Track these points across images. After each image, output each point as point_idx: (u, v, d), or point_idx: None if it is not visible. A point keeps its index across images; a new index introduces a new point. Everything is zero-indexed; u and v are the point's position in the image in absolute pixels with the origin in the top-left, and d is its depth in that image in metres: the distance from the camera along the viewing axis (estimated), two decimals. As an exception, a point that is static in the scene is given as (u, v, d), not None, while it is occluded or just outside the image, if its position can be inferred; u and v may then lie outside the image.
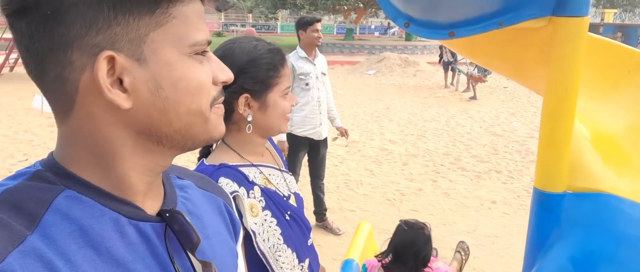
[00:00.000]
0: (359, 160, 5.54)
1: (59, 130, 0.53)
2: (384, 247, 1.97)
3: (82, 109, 0.50)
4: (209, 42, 0.55)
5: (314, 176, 3.70)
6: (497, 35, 1.42)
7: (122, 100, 0.49)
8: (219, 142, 1.16)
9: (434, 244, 3.54)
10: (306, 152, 3.57)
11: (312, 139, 3.43)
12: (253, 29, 24.87)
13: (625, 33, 16.43)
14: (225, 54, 1.08)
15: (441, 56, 11.41)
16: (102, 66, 0.48)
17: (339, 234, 3.67)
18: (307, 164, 3.70)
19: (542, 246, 1.49)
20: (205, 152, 1.15)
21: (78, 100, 0.49)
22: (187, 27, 0.52)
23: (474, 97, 9.65)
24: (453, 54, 10.64)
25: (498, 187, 4.81)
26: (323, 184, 3.75)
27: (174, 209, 0.57)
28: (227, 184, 1.02)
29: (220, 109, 0.58)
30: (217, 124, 0.58)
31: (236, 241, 0.72)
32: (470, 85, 10.09)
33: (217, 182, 1.02)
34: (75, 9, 0.46)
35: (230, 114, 1.09)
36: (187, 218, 0.56)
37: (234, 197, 1.02)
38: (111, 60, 0.48)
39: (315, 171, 3.68)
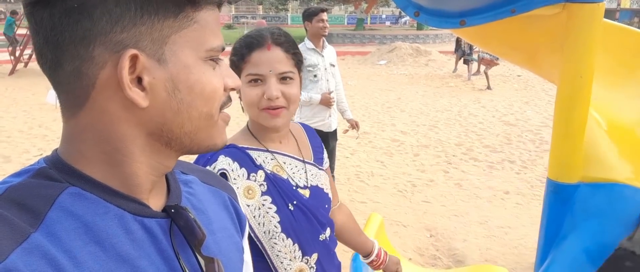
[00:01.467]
0: (369, 151, 5.52)
1: (67, 125, 0.53)
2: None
3: (96, 105, 0.50)
4: (223, 49, 0.57)
5: None
6: (509, 23, 1.39)
7: (140, 98, 0.50)
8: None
9: (446, 236, 3.53)
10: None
11: (322, 131, 3.42)
12: (263, 20, 24.87)
13: (643, 19, 16.05)
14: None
15: (457, 47, 11.27)
16: (126, 64, 0.48)
17: (357, 225, 3.66)
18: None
19: (556, 237, 1.47)
20: None
21: (93, 96, 0.49)
22: (206, 33, 0.53)
23: (488, 87, 9.55)
24: (470, 47, 10.56)
25: (511, 177, 4.75)
26: (333, 176, 3.74)
27: (178, 204, 0.57)
28: (222, 161, 1.03)
29: (226, 117, 0.59)
30: (222, 132, 0.58)
31: (242, 235, 0.72)
32: (483, 72, 9.98)
33: (216, 159, 1.03)
34: (103, 5, 0.47)
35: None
36: (192, 214, 0.56)
37: (222, 174, 1.02)
38: (133, 59, 0.49)
39: (325, 163, 3.68)
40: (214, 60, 0.55)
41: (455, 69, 11.20)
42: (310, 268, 1.13)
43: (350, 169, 4.90)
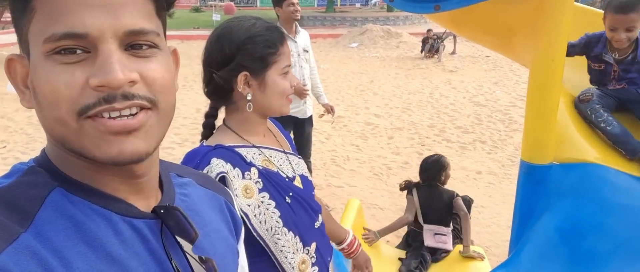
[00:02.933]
0: (344, 135, 5.54)
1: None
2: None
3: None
4: (75, 35, 0.46)
5: (300, 155, 3.68)
6: (483, 8, 1.40)
7: (25, 100, 0.51)
8: (221, 124, 1.15)
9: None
10: (291, 131, 3.54)
11: (297, 118, 3.40)
12: (232, 3, 24.34)
13: (604, -2, 16.52)
14: (223, 33, 1.07)
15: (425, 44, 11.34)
16: (11, 68, 0.51)
17: (328, 211, 3.69)
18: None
19: (530, 217, 1.51)
20: (208, 134, 1.14)
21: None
22: (47, 21, 0.46)
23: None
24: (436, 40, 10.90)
25: (483, 157, 4.87)
26: (310, 162, 3.74)
27: (169, 205, 0.57)
28: (217, 164, 1.01)
29: (103, 124, 0.47)
30: (99, 143, 0.48)
31: (238, 239, 0.71)
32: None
33: (209, 162, 1.01)
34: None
35: (229, 93, 1.09)
36: (183, 213, 0.55)
37: (222, 177, 1.00)
38: (10, 62, 0.51)
39: (301, 150, 3.66)
40: (64, 52, 0.46)
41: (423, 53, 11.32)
42: (311, 258, 1.13)
43: (326, 154, 4.92)
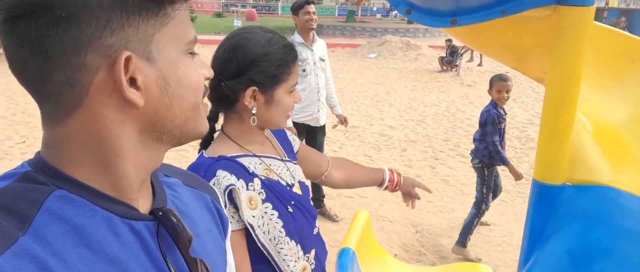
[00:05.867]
0: (358, 146, 5.53)
1: (52, 132, 0.52)
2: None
3: (88, 110, 0.50)
4: (196, 39, 0.59)
5: None
6: (500, 24, 1.39)
7: (137, 98, 0.51)
8: (218, 132, 1.15)
9: (431, 232, 3.55)
10: (304, 138, 3.55)
11: (310, 126, 3.41)
12: (254, 10, 24.64)
13: (630, 18, 16.23)
14: (240, 43, 1.06)
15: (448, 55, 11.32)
16: (122, 66, 0.49)
17: (337, 221, 3.67)
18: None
19: (540, 238, 1.49)
20: (206, 143, 1.14)
21: (86, 101, 0.50)
22: (184, 27, 0.55)
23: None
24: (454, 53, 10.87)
25: (497, 174, 4.80)
26: (321, 170, 3.74)
27: (165, 207, 0.57)
28: (224, 177, 1.01)
29: (206, 106, 0.61)
30: (204, 121, 0.61)
31: (225, 237, 0.72)
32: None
33: (214, 174, 1.01)
34: (90, 11, 0.47)
35: (234, 103, 1.09)
36: (177, 215, 0.56)
37: (230, 191, 1.01)
38: (127, 60, 0.50)
39: (313, 157, 3.67)
40: (192, 52, 0.57)
41: (443, 68, 11.28)
42: (311, 264, 1.14)
43: (338, 163, 4.91)
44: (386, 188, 1.47)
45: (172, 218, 0.56)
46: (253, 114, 1.08)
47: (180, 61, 0.55)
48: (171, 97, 0.54)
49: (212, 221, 0.69)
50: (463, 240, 3.21)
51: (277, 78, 1.07)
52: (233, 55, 1.06)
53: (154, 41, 0.52)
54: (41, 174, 0.51)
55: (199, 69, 0.58)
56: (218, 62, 1.08)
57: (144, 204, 0.57)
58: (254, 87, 1.06)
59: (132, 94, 0.50)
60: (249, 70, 1.05)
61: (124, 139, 0.52)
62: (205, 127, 0.61)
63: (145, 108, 0.52)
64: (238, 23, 14.76)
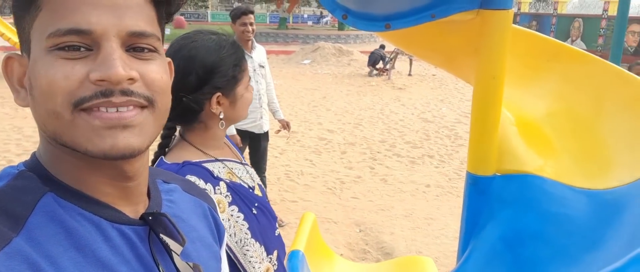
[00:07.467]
0: (298, 150, 5.56)
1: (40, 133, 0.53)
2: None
3: None
4: (80, 31, 0.47)
5: (255, 169, 3.65)
6: (430, 28, 1.48)
7: (20, 99, 0.51)
8: (177, 139, 1.12)
9: (374, 230, 3.66)
10: (247, 145, 3.52)
11: (253, 133, 3.38)
12: (182, 17, 23.95)
13: (540, 22, 17.66)
14: (191, 54, 1.03)
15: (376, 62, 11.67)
16: (8, 67, 0.52)
17: (282, 226, 3.67)
18: (247, 157, 3.66)
19: (476, 227, 1.59)
20: (162, 148, 1.11)
21: None
22: (53, 17, 0.47)
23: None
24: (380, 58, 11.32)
25: (431, 171, 5.03)
26: (265, 177, 3.72)
27: (157, 211, 0.57)
28: (194, 182, 0.99)
29: (96, 118, 0.47)
30: (90, 135, 0.47)
31: (220, 245, 0.72)
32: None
33: None
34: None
35: (197, 114, 1.07)
36: (171, 220, 0.56)
37: None
38: (9, 60, 0.51)
39: (256, 164, 3.64)
40: (68, 49, 0.47)
41: (372, 72, 11.61)
42: (273, 265, 1.14)
43: (280, 169, 4.91)
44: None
45: (165, 222, 0.56)
46: (221, 119, 1.08)
47: (39, 60, 0.48)
48: (33, 101, 0.49)
49: (207, 229, 0.69)
50: None
51: (236, 78, 1.08)
52: (189, 68, 1.03)
53: (31, 39, 0.49)
54: (35, 175, 0.51)
55: (62, 69, 0.46)
56: (175, 79, 1.04)
57: (137, 210, 0.56)
58: (218, 93, 1.06)
59: (16, 94, 0.51)
60: (211, 78, 1.04)
61: (54, 144, 0.51)
62: (91, 144, 0.47)
63: (33, 111, 0.50)
64: (166, 31, 14.29)
